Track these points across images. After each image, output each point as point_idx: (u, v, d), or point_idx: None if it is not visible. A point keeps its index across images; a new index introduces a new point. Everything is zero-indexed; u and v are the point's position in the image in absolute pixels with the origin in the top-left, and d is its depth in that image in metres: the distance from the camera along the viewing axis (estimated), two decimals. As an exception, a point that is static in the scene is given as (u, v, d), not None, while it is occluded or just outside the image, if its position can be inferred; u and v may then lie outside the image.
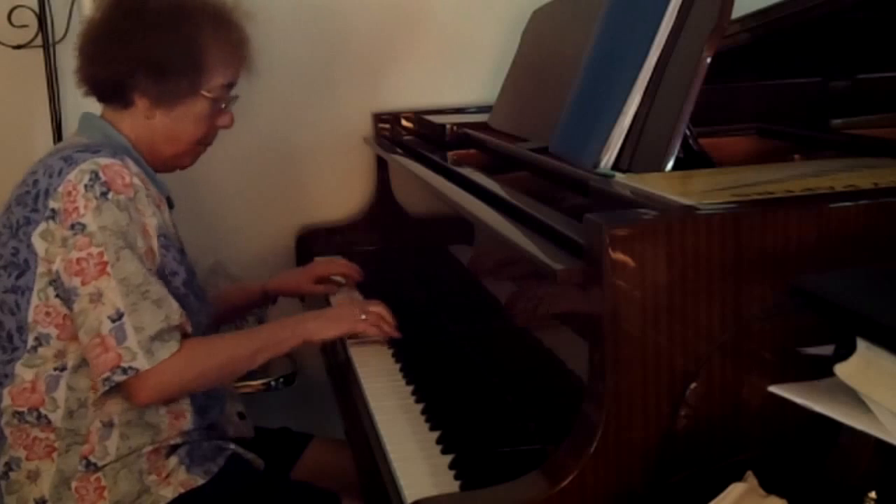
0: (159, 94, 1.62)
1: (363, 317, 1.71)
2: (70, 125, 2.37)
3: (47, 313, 1.52)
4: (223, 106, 1.69)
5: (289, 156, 2.55)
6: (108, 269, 1.47)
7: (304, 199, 2.58)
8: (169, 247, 1.58)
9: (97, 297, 1.47)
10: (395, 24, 2.54)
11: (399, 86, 2.57)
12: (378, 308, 1.73)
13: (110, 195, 1.50)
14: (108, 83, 1.64)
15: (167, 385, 1.50)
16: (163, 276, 1.55)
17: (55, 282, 1.51)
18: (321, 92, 2.53)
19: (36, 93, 2.38)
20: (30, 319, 1.53)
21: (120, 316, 1.47)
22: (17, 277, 1.53)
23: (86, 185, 1.49)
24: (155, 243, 1.55)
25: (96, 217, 1.48)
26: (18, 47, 2.34)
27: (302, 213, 2.57)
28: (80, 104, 2.34)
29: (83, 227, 1.48)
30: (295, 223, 2.56)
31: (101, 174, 1.50)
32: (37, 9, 2.32)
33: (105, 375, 1.47)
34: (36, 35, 2.34)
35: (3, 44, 2.33)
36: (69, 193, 1.50)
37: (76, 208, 1.49)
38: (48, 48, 2.34)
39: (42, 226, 1.51)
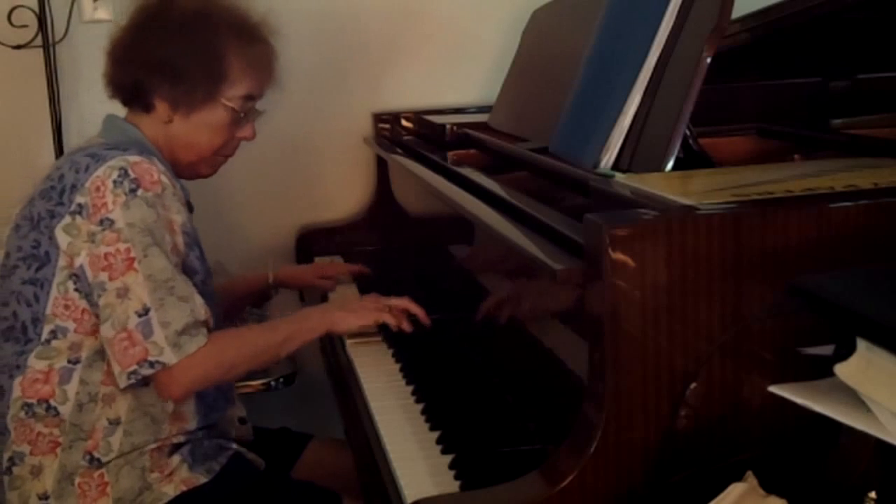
0: (177, 97, 1.63)
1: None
2: (70, 125, 2.38)
3: (66, 306, 1.53)
4: (243, 116, 1.69)
5: (289, 156, 2.55)
6: (136, 265, 1.48)
7: (304, 198, 2.58)
8: (191, 245, 1.60)
9: (124, 293, 1.48)
10: (395, 25, 2.54)
11: (399, 86, 2.57)
12: (402, 302, 1.71)
13: (139, 192, 1.50)
14: (129, 86, 1.66)
15: (196, 378, 1.51)
16: (185, 271, 1.56)
17: (76, 276, 1.51)
18: (321, 92, 2.54)
19: (36, 93, 2.37)
20: (47, 311, 1.53)
21: (146, 311, 1.47)
22: (37, 270, 1.54)
23: (115, 181, 1.50)
24: (180, 240, 1.56)
25: (125, 213, 1.49)
26: (18, 47, 2.33)
27: (302, 212, 2.57)
28: (80, 104, 2.38)
29: (111, 222, 1.49)
30: (295, 223, 2.56)
31: (130, 171, 1.51)
32: (37, 9, 2.32)
33: (132, 368, 1.48)
34: (36, 35, 2.34)
35: (3, 44, 2.33)
36: (97, 189, 1.50)
37: (104, 204, 1.49)
38: (48, 48, 2.34)
39: (66, 219, 1.51)
